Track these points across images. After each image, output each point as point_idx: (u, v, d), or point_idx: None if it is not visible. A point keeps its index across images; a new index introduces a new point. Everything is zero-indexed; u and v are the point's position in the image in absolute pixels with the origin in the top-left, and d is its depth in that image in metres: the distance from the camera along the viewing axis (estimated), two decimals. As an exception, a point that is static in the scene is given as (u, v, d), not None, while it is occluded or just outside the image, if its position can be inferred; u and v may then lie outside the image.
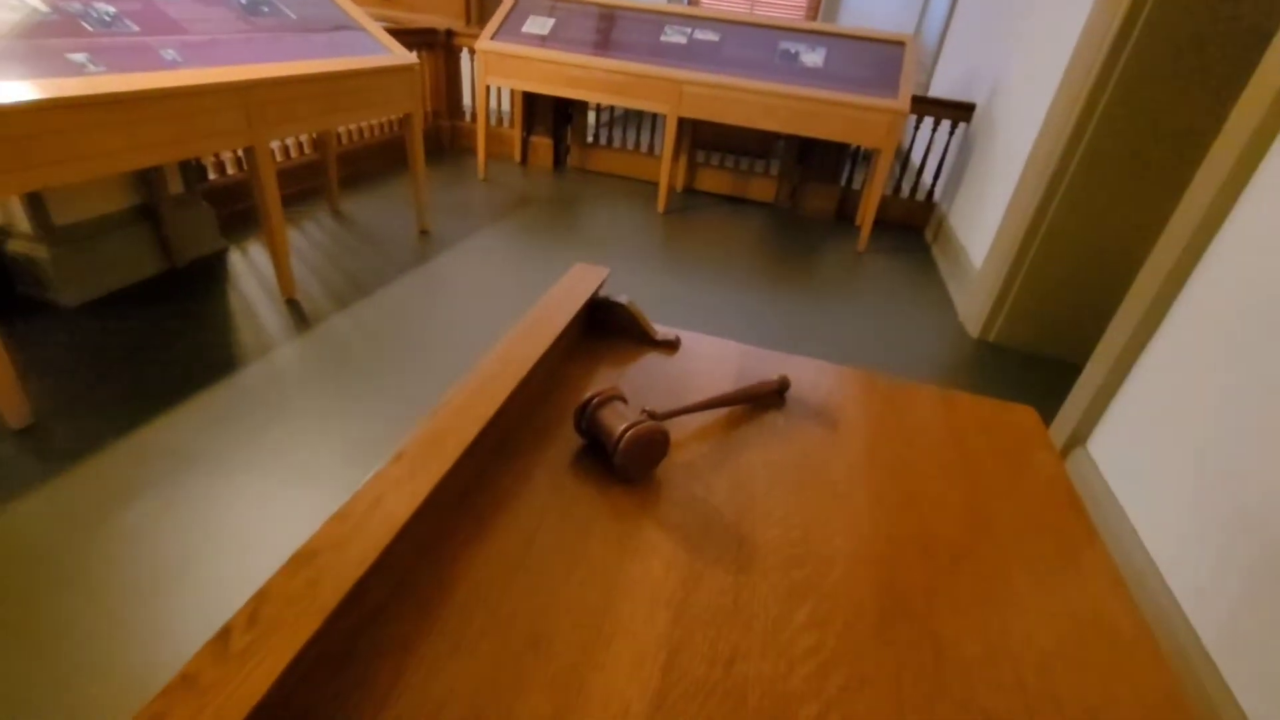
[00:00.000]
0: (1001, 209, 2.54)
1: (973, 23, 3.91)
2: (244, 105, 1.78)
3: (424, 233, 2.82)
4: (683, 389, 0.70)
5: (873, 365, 2.25)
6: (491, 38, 3.28)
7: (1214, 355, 1.33)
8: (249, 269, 2.35)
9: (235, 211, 2.64)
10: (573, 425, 0.59)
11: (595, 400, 0.56)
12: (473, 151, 4.00)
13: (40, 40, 1.44)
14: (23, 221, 1.87)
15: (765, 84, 2.98)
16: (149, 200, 2.16)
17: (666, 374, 0.72)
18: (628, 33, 3.28)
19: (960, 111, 3.28)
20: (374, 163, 3.49)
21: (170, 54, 1.67)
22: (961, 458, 0.64)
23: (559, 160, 4.00)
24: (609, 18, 3.37)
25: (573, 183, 3.76)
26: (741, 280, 2.79)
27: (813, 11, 6.01)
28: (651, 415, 0.55)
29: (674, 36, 3.24)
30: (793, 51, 3.14)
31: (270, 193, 1.97)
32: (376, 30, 2.44)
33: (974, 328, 2.56)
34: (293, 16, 2.18)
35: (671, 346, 0.77)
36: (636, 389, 0.68)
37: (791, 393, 0.72)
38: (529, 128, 3.91)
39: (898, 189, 3.65)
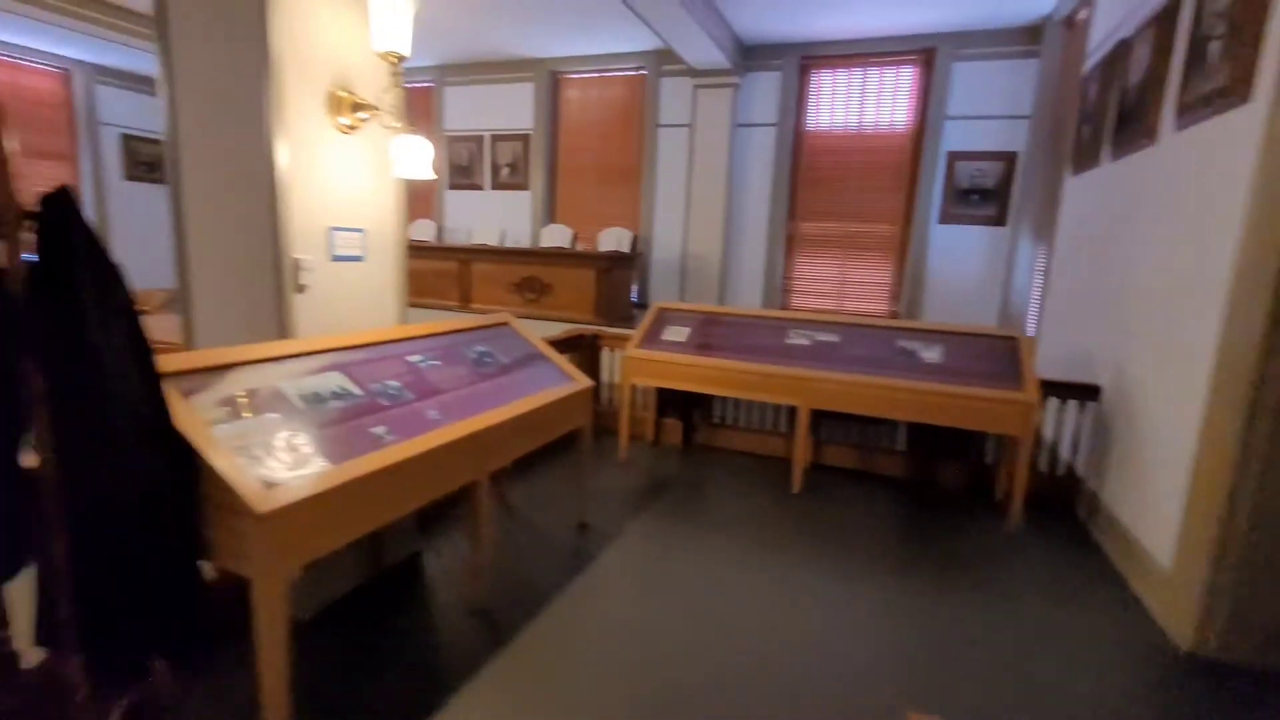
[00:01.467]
0: (1178, 497, 2.47)
1: (1063, 308, 4.23)
2: (478, 448, 2.15)
3: (583, 526, 3.04)
4: None
5: (1052, 687, 2.06)
6: (638, 346, 3.86)
7: None
8: (441, 571, 2.58)
9: (426, 512, 2.99)
10: None
11: None
12: (610, 431, 4.43)
13: (356, 421, 1.88)
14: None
15: (890, 380, 3.27)
16: (371, 513, 2.52)
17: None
18: (756, 336, 3.78)
19: (1085, 392, 3.41)
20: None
21: (433, 414, 2.10)
22: None
23: (688, 439, 4.33)
24: (738, 325, 3.92)
25: (703, 461, 4.03)
26: (877, 568, 2.75)
27: (894, 299, 6.67)
28: None
29: (798, 339, 3.69)
30: (909, 348, 3.48)
31: (485, 514, 2.26)
32: (560, 360, 2.96)
33: (1182, 638, 2.32)
34: (505, 360, 2.70)
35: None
36: None
37: None
38: (661, 410, 4.34)
39: (1032, 463, 3.66)
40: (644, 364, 3.78)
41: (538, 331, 3.20)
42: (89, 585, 1.37)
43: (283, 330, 2.03)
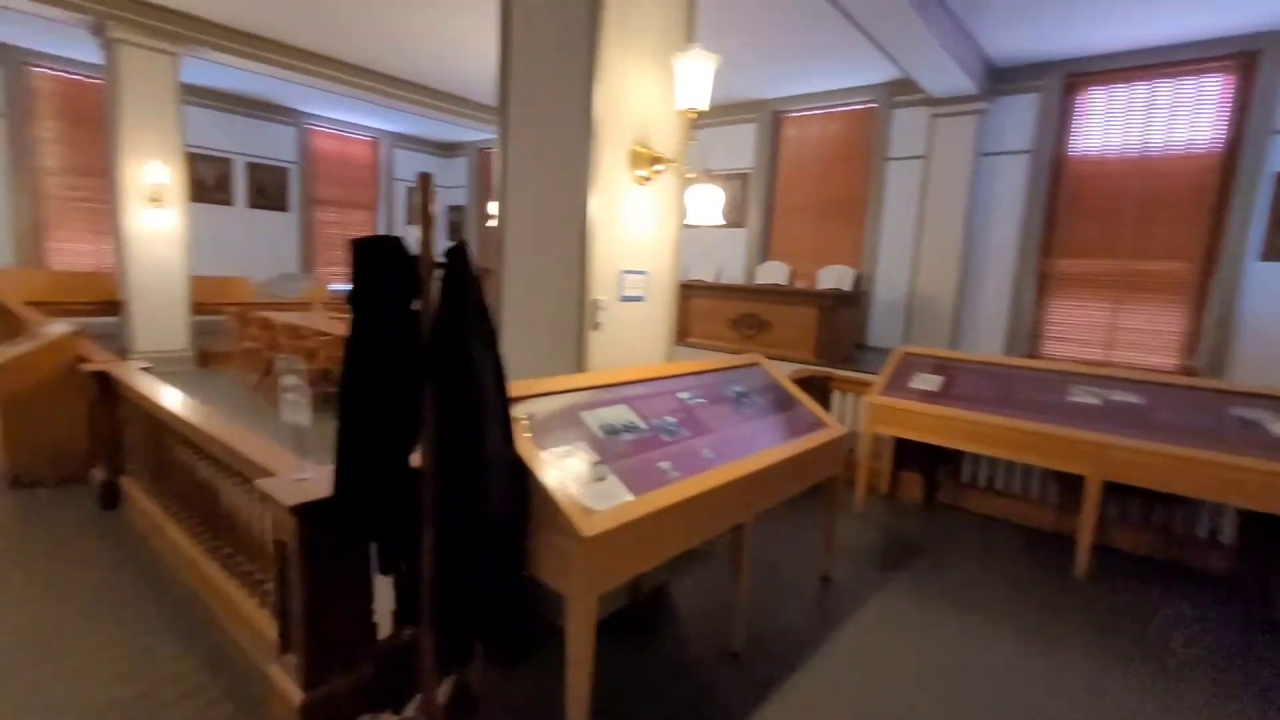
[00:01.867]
0: None
1: None
2: (751, 490, 2.15)
3: (826, 579, 2.88)
4: None
5: None
6: (883, 393, 3.62)
7: None
8: (688, 605, 2.61)
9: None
10: None
11: None
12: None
13: (645, 454, 1.98)
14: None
15: (1226, 456, 2.65)
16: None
17: None
18: (1028, 390, 3.34)
19: None
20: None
21: (707, 453, 2.14)
22: None
23: (929, 495, 3.95)
24: (1003, 376, 3.50)
25: (948, 523, 3.62)
26: (1195, 688, 2.17)
27: (1189, 351, 5.51)
28: None
29: (1084, 397, 3.18)
30: (1251, 419, 2.81)
31: (746, 556, 2.24)
32: (813, 405, 2.87)
33: None
34: (761, 402, 2.69)
35: None
36: None
37: None
38: (898, 462, 4.02)
39: None
40: (891, 413, 3.53)
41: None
42: (444, 575, 1.58)
43: (579, 364, 2.23)
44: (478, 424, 1.52)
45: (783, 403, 2.78)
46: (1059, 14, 4.99)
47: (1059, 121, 6.00)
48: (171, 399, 2.62)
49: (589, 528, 1.56)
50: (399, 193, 11.77)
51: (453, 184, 12.36)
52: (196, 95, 8.54)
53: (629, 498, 1.74)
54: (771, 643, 2.37)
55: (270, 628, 1.97)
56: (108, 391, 3.16)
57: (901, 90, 6.71)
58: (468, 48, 6.63)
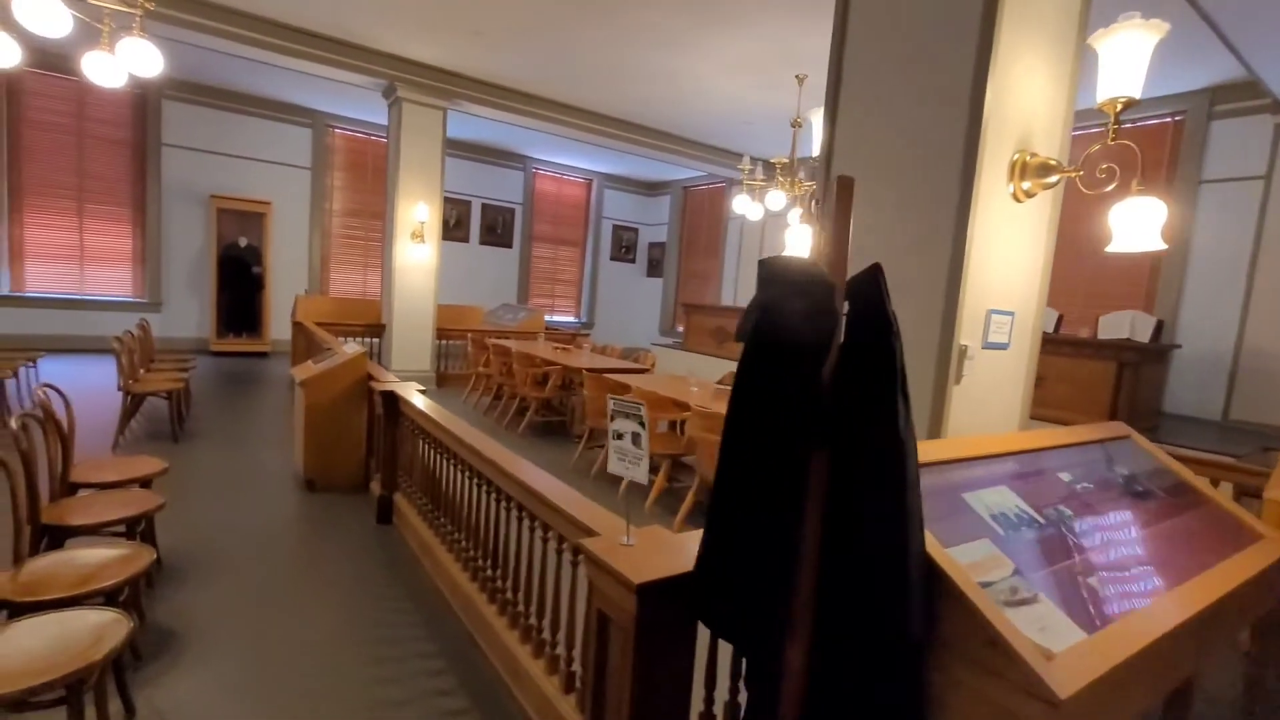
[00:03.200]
0: None
1: None
2: (1205, 629, 1.50)
3: None
4: None
5: None
6: (1290, 486, 2.64)
7: None
8: None
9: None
10: None
11: None
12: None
13: (1061, 565, 1.43)
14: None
15: None
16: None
17: None
18: None
19: None
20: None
21: (1138, 567, 1.53)
22: None
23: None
24: None
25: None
26: None
27: None
28: None
29: None
30: None
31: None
32: (1232, 505, 2.09)
33: None
34: (1159, 492, 1.99)
35: None
36: None
37: None
38: (1291, 581, 2.93)
39: None
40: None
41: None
42: (817, 692, 1.18)
43: (937, 425, 1.76)
44: (898, 507, 1.11)
45: (1184, 494, 2.05)
46: None
47: None
48: (462, 429, 2.58)
49: (1061, 684, 1.06)
50: (606, 229, 12.28)
51: (655, 221, 12.65)
52: (449, 146, 9.65)
53: (1080, 635, 1.22)
54: None
55: (561, 700, 1.73)
56: (391, 410, 3.32)
57: (1227, 96, 5.40)
58: (678, 84, 6.61)
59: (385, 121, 7.25)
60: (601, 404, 4.45)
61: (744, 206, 6.32)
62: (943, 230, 1.72)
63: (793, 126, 6.21)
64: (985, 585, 1.23)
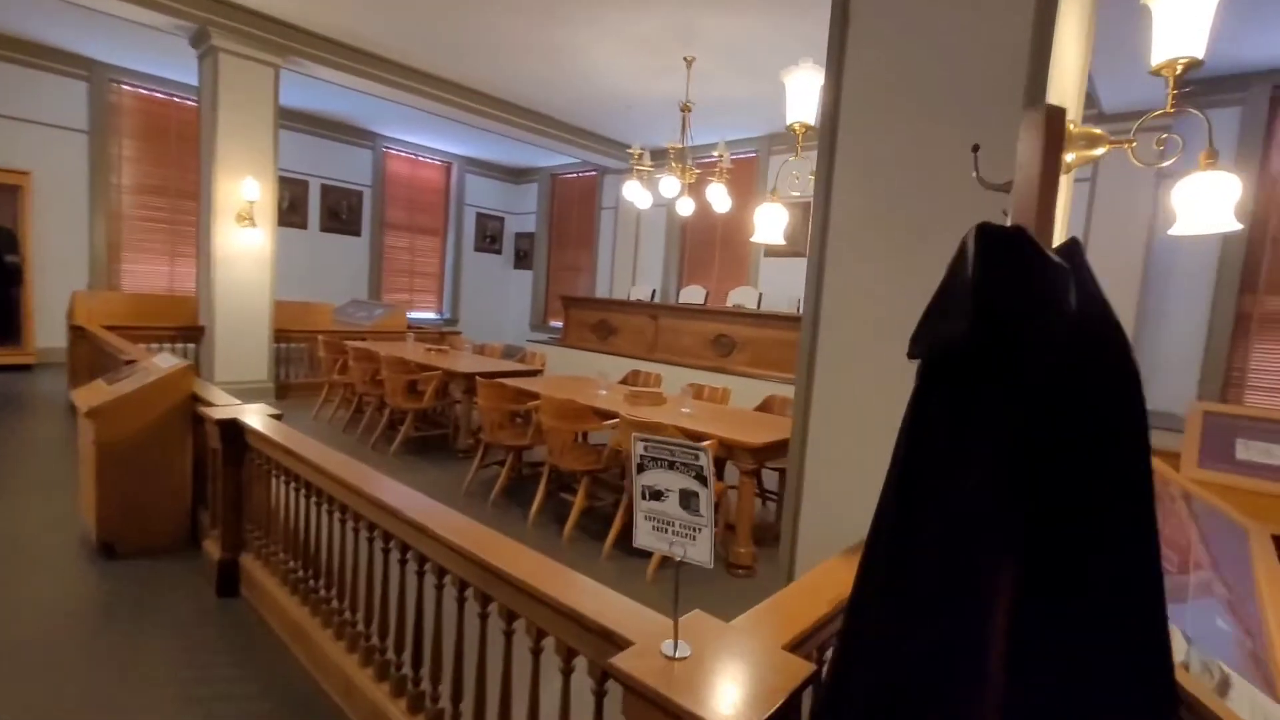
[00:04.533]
0: None
1: None
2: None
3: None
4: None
5: None
6: (1201, 467, 2.80)
7: None
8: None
9: None
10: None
11: None
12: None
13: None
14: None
15: None
16: None
17: None
18: None
19: None
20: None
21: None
22: None
23: None
24: (1382, 449, 2.66)
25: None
26: None
27: None
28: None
29: None
30: None
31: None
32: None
33: None
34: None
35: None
36: None
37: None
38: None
39: None
40: (1216, 491, 2.69)
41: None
42: None
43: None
44: (1148, 571, 0.77)
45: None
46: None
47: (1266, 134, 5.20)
48: (358, 474, 1.91)
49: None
50: (469, 218, 11.33)
51: (522, 210, 11.91)
52: (281, 117, 8.20)
53: None
54: None
55: None
56: (234, 443, 2.49)
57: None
58: (559, 60, 6.11)
59: (195, 80, 5.89)
60: (500, 416, 3.84)
61: (634, 194, 5.96)
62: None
63: (682, 111, 5.96)
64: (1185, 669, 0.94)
